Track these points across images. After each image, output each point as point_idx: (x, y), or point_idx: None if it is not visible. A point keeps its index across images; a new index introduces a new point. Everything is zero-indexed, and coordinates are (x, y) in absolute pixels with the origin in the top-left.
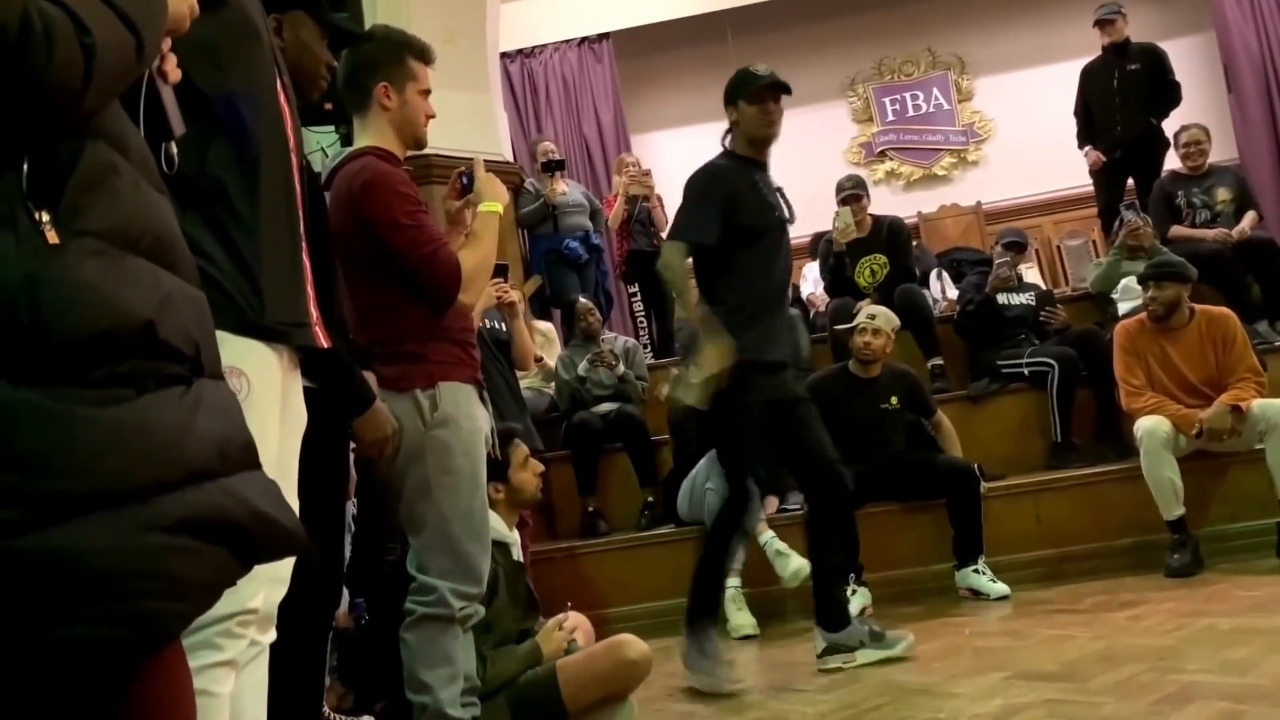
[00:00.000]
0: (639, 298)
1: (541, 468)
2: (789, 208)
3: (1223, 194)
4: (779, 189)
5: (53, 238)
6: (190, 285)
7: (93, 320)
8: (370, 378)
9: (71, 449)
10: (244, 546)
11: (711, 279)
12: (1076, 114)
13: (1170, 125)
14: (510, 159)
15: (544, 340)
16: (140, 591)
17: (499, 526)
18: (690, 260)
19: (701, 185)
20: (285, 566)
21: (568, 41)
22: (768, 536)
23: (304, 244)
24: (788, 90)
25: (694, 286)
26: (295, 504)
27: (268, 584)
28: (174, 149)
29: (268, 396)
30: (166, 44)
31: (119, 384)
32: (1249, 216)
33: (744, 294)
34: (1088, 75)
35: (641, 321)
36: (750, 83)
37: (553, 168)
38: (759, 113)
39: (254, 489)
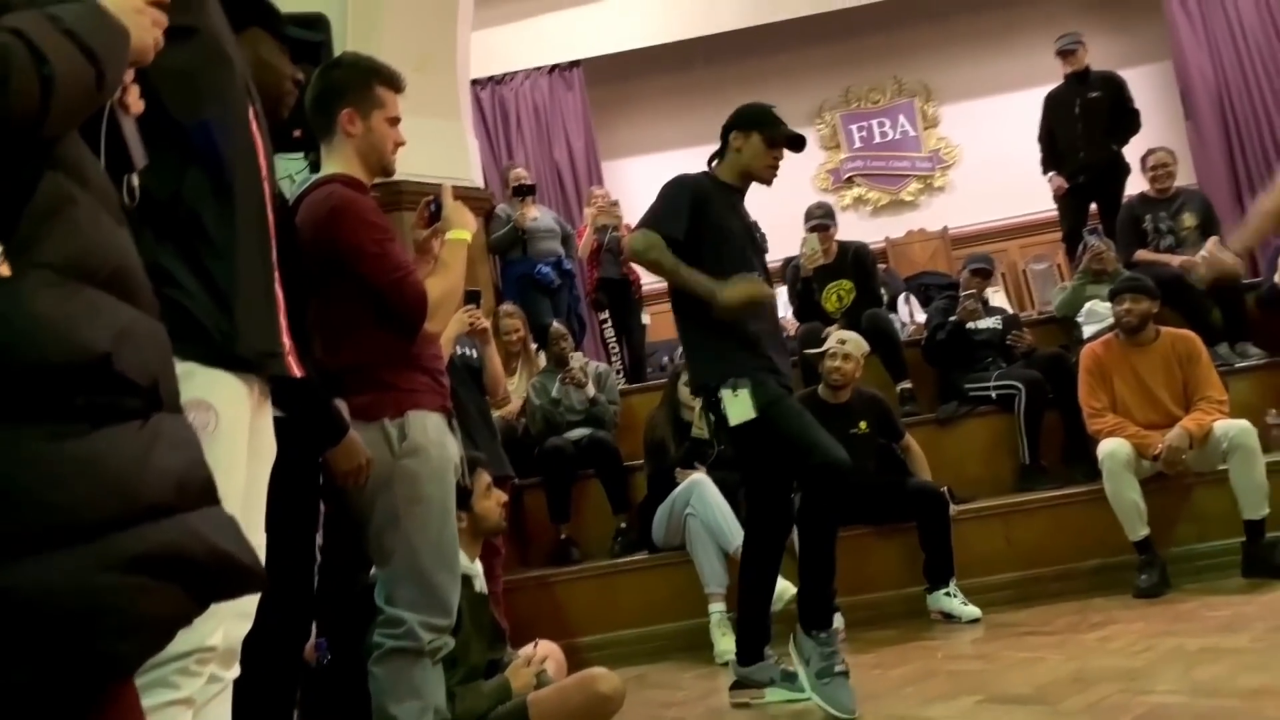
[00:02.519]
0: (609, 324)
1: (504, 496)
2: (761, 235)
3: (1189, 219)
4: (753, 221)
5: (5, 270)
6: (150, 317)
7: (47, 354)
8: (343, 406)
9: (23, 486)
10: (201, 584)
11: (703, 317)
12: (1040, 140)
13: (1130, 151)
14: (481, 185)
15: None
16: (93, 631)
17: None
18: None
19: (674, 187)
20: (249, 601)
21: (539, 69)
22: None
23: (277, 272)
24: (801, 147)
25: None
26: (263, 537)
27: (230, 619)
28: (135, 181)
29: (236, 429)
30: (129, 75)
31: (73, 418)
32: (1211, 242)
33: (737, 325)
34: (1051, 102)
35: (614, 347)
36: (776, 124)
37: (523, 192)
38: (770, 155)
39: (212, 525)
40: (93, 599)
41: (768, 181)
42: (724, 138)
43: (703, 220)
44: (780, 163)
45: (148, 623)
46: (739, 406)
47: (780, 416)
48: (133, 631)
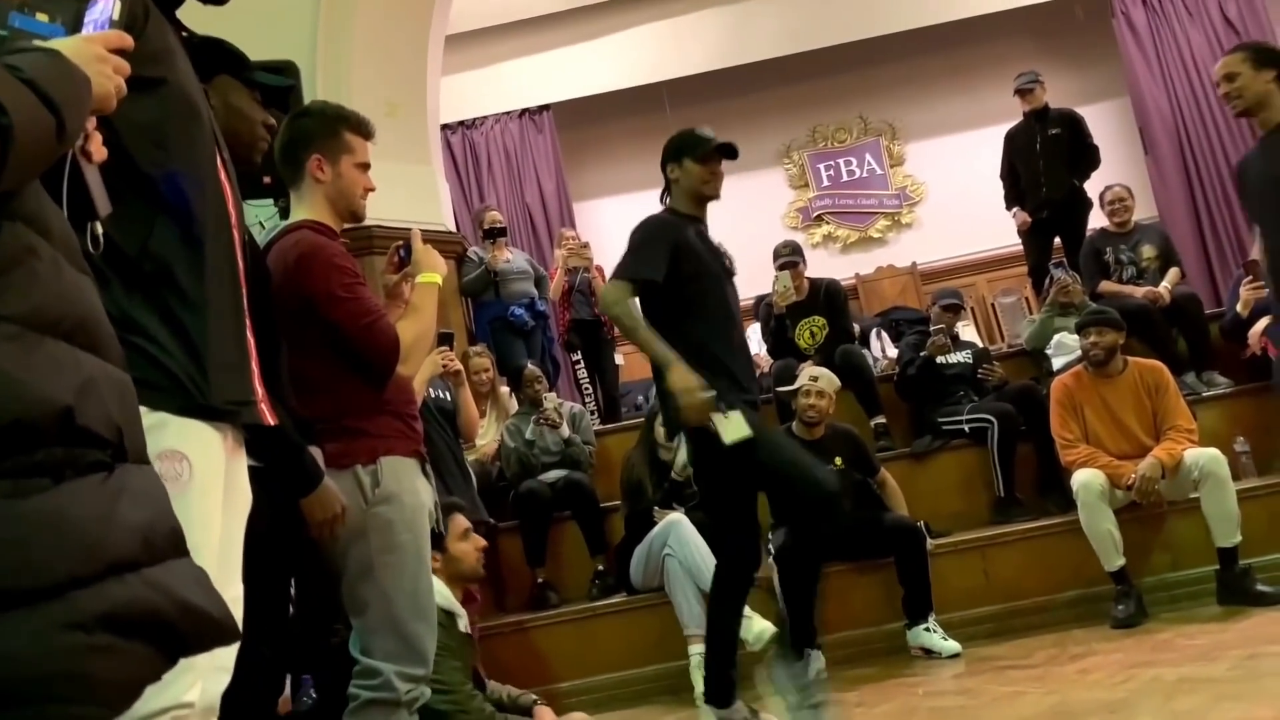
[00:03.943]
0: (582, 365)
1: (484, 543)
2: (729, 259)
3: (1148, 251)
4: (718, 244)
5: None
6: (114, 367)
7: (7, 409)
8: (317, 453)
9: None
10: (169, 640)
11: (671, 328)
12: (1002, 177)
13: (1091, 186)
14: (453, 229)
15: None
16: (56, 696)
17: (445, 592)
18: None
19: (647, 230)
20: (228, 654)
21: (508, 113)
22: None
23: (248, 320)
24: (734, 154)
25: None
26: (240, 588)
27: (209, 673)
28: (99, 229)
29: (210, 480)
30: (91, 123)
31: (34, 474)
32: (1172, 273)
33: (707, 339)
34: (1011, 140)
35: (587, 389)
36: (699, 144)
37: (494, 234)
38: (706, 172)
39: (180, 578)
40: (56, 662)
41: (716, 195)
42: (664, 171)
43: (682, 258)
44: (720, 174)
45: (113, 684)
46: (734, 427)
47: (769, 441)
48: (98, 694)
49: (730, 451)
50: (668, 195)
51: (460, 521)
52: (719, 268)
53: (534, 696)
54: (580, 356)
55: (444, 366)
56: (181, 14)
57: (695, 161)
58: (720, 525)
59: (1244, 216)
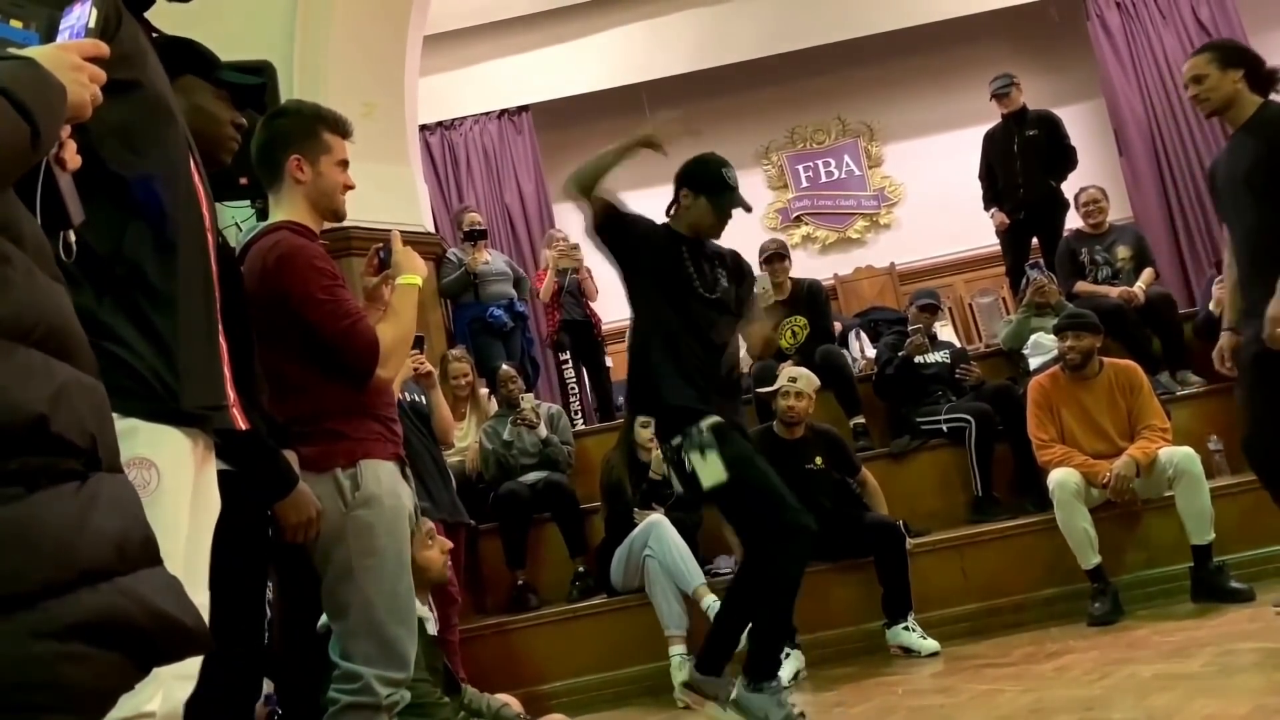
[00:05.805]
0: (570, 365)
1: (449, 544)
2: (724, 286)
3: (1123, 252)
4: (719, 270)
5: None
6: (88, 375)
7: None
8: (292, 457)
9: None
10: (142, 649)
11: (641, 344)
12: (981, 178)
13: (1068, 188)
14: (431, 230)
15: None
16: (27, 704)
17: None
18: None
19: (638, 218)
20: (192, 662)
21: (487, 114)
22: (710, 600)
23: (220, 323)
24: (748, 210)
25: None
26: (206, 595)
27: (172, 681)
28: (72, 237)
29: (179, 487)
30: (66, 131)
31: (7, 482)
32: (1146, 274)
33: (671, 355)
34: (989, 141)
35: (573, 388)
36: (724, 192)
37: (474, 236)
38: (717, 217)
39: (153, 587)
40: (27, 670)
41: (715, 237)
42: (676, 187)
43: (648, 252)
44: (728, 222)
45: (85, 693)
46: (710, 470)
47: (748, 474)
48: (69, 703)
49: (710, 492)
50: (674, 212)
51: (424, 525)
52: (692, 290)
53: (517, 710)
54: (569, 357)
55: (415, 369)
56: (157, 14)
57: (711, 204)
58: (747, 520)
59: (1216, 217)
